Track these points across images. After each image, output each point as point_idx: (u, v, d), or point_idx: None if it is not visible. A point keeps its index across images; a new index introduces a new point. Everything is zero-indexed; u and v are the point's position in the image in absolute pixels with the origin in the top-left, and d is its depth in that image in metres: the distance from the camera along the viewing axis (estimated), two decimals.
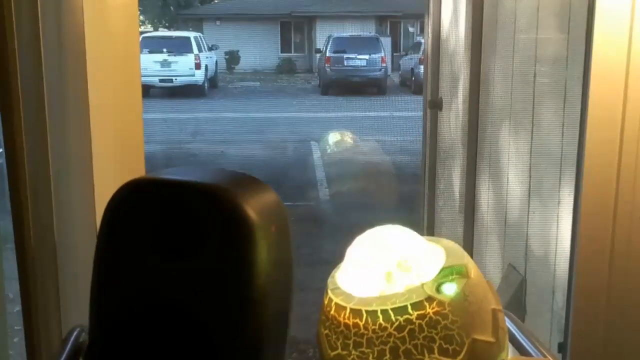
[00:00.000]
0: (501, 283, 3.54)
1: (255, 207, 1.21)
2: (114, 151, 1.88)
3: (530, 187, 3.29)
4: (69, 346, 1.34)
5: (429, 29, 4.57)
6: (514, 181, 3.47)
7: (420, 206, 4.98)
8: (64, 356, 1.32)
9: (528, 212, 3.31)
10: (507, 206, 3.57)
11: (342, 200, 7.85)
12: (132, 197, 1.30)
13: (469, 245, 3.91)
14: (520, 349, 1.35)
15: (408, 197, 6.82)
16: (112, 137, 1.87)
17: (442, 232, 4.48)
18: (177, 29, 23.10)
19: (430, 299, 1.06)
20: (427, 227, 4.66)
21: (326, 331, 1.13)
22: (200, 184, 1.29)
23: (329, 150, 10.26)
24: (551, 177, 3.01)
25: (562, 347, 2.17)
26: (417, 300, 1.06)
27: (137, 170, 1.91)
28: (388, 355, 1.06)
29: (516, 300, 3.30)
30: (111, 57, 1.85)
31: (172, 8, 24.39)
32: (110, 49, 1.84)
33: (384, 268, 1.11)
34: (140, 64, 1.99)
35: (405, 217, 6.24)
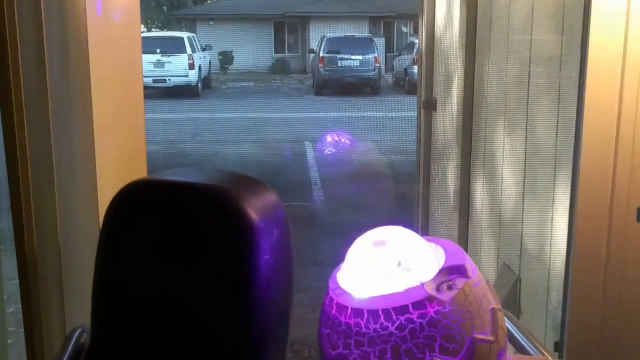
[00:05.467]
0: (496, 282, 3.55)
1: (256, 208, 1.22)
2: (117, 153, 1.88)
3: (524, 186, 3.29)
4: (70, 347, 1.35)
5: (423, 30, 4.57)
6: (509, 181, 3.47)
7: (414, 205, 4.99)
8: (65, 357, 1.32)
9: (523, 211, 3.31)
10: (502, 206, 3.57)
11: (337, 200, 7.85)
12: (134, 198, 1.31)
13: (464, 244, 3.91)
14: (518, 346, 1.37)
15: (402, 197, 6.83)
16: (115, 139, 1.87)
17: (437, 231, 4.49)
18: (171, 29, 23.04)
19: (431, 299, 1.07)
20: (422, 227, 4.66)
21: (328, 331, 1.14)
22: (202, 186, 1.29)
23: (323, 151, 10.27)
24: (546, 176, 3.02)
25: (558, 346, 2.18)
26: (418, 299, 1.07)
27: (140, 172, 1.92)
28: (390, 354, 1.07)
29: (511, 300, 3.31)
30: (114, 61, 1.85)
31: (165, 8, 24.33)
32: (113, 53, 1.85)
33: (384, 268, 1.12)
34: (142, 68, 2.00)
35: (400, 216, 6.25)
